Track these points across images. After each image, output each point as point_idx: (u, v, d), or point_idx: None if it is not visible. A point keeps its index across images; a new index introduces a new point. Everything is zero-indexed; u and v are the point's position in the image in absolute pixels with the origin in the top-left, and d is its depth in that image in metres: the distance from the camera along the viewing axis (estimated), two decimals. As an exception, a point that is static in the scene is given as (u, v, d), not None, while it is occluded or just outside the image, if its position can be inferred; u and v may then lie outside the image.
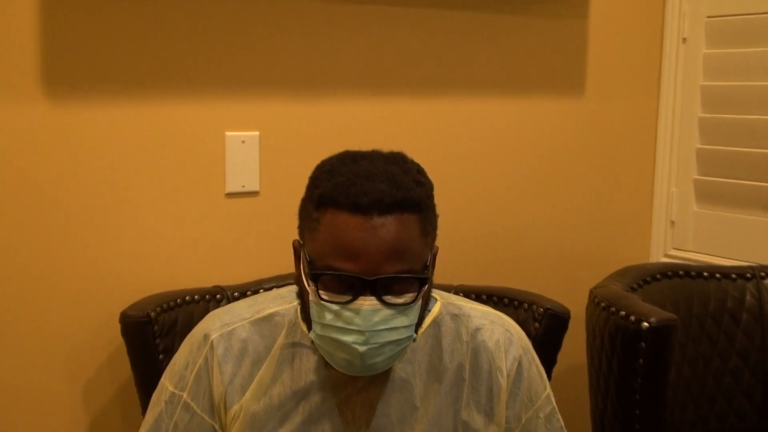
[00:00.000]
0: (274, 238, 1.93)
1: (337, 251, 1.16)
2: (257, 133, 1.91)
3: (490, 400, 1.34)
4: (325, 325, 1.21)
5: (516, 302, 1.85)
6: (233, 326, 1.34)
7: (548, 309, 1.80)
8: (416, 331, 1.24)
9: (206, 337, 1.34)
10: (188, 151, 1.84)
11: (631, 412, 1.78)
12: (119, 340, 1.72)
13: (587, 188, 2.31)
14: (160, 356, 1.69)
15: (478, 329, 1.35)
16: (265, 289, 1.83)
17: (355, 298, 1.17)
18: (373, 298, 1.17)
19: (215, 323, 1.35)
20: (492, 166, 2.17)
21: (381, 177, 1.17)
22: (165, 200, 1.83)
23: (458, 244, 2.12)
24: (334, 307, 1.18)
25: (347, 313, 1.18)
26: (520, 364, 1.36)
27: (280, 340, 1.32)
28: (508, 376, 1.35)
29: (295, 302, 1.31)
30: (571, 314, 1.82)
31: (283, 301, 1.34)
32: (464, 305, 1.38)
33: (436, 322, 1.34)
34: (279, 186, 1.94)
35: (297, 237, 1.26)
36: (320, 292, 1.19)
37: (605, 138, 2.32)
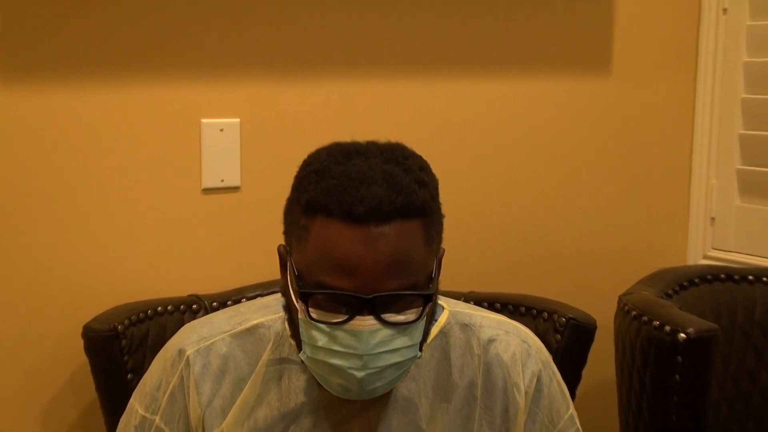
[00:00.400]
0: (257, 240, 1.93)
1: (330, 266, 1.15)
2: (237, 120, 1.91)
3: (505, 421, 1.34)
4: (316, 348, 1.20)
5: (534, 311, 1.85)
6: (212, 340, 1.34)
7: (571, 318, 1.80)
8: (421, 347, 1.24)
9: (181, 352, 1.34)
10: (158, 142, 1.84)
11: (667, 435, 1.79)
12: (82, 358, 1.72)
13: (614, 181, 2.31)
14: (129, 375, 1.70)
15: (491, 341, 1.36)
16: (248, 298, 1.83)
17: (351, 318, 1.17)
18: (371, 317, 1.17)
19: (191, 337, 1.35)
20: (505, 157, 2.17)
21: (378, 179, 1.16)
22: (133, 198, 1.83)
23: (468, 245, 2.13)
24: (327, 328, 1.18)
25: (342, 335, 1.17)
26: (539, 380, 1.37)
27: (266, 356, 1.32)
28: (526, 393, 1.35)
29: (282, 313, 1.31)
30: (598, 324, 1.83)
31: (268, 311, 1.35)
32: (475, 314, 1.39)
33: (443, 333, 1.35)
34: (263, 180, 1.94)
35: (283, 241, 1.26)
36: (311, 311, 1.18)
37: (635, 123, 2.32)
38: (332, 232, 1.15)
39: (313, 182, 1.18)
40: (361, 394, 1.21)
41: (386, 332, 1.18)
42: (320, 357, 1.21)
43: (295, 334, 1.24)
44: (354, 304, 1.16)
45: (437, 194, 1.23)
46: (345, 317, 1.17)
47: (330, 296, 1.17)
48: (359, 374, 1.19)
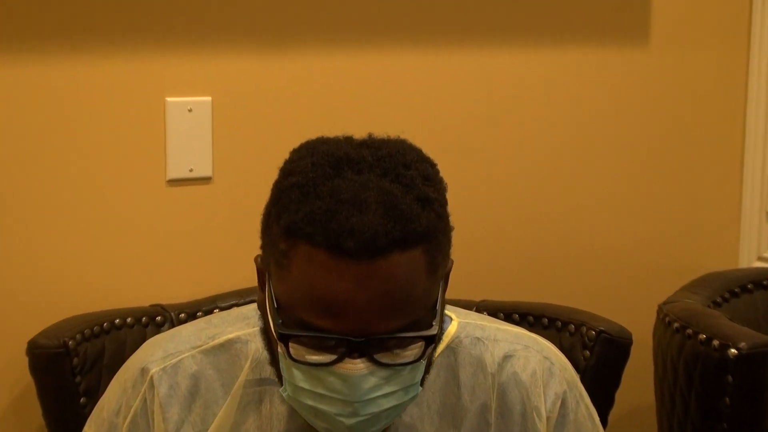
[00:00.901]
0: (233, 240, 1.93)
1: (314, 305, 1.16)
2: (209, 98, 1.91)
3: (524, 451, 1.35)
4: (299, 388, 1.21)
5: (559, 323, 1.86)
6: (179, 357, 1.34)
7: (602, 332, 1.81)
8: (423, 383, 1.24)
9: (144, 371, 1.34)
10: (115, 125, 1.84)
11: (715, 469, 1.79)
12: (27, 379, 1.72)
13: (653, 171, 2.32)
14: (82, 399, 1.70)
15: (507, 357, 1.36)
16: (222, 308, 1.83)
17: (339, 360, 1.17)
18: (362, 359, 1.17)
19: (155, 354, 1.35)
20: (524, 144, 2.17)
21: (372, 202, 1.15)
22: (85, 192, 1.84)
23: (480, 246, 2.13)
24: (311, 369, 1.19)
25: (329, 377, 1.18)
26: (564, 404, 1.36)
27: (243, 376, 1.32)
28: (548, 419, 1.35)
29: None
30: (634, 339, 1.83)
31: (245, 324, 1.35)
32: (489, 326, 1.39)
33: (451, 349, 1.35)
34: (239, 170, 1.94)
35: (261, 249, 1.25)
36: (291, 348, 1.18)
37: (676, 104, 2.32)
38: (317, 265, 1.15)
39: (295, 200, 1.17)
40: None
41: (381, 374, 1.18)
42: (303, 399, 1.21)
43: (275, 363, 1.24)
44: (343, 345, 1.17)
45: (445, 208, 1.22)
46: (332, 358, 1.17)
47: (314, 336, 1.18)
48: (349, 421, 1.20)
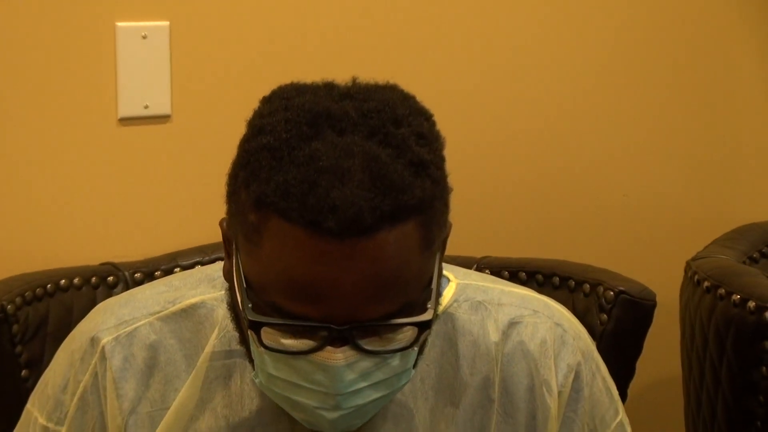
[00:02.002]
0: (195, 189, 1.93)
1: (290, 289, 1.14)
2: (166, 23, 1.91)
3: (531, 431, 1.36)
4: (273, 377, 1.21)
5: (572, 282, 1.87)
6: (135, 325, 1.34)
7: (622, 292, 1.82)
8: (416, 364, 1.23)
9: (94, 341, 1.34)
10: (56, 54, 1.84)
11: (750, 448, 1.81)
12: (-42, 349, 1.73)
13: (679, 110, 2.32)
14: (23, 372, 1.71)
15: (513, 324, 1.36)
16: (183, 268, 1.84)
17: (319, 348, 1.16)
18: (346, 347, 1.16)
19: (107, 321, 1.35)
20: (533, 81, 2.17)
21: (357, 171, 1.12)
22: (23, 133, 1.83)
23: (482, 195, 2.14)
24: (288, 358, 1.18)
25: (308, 366, 1.17)
26: (578, 377, 1.37)
27: (209, 347, 1.32)
28: (559, 394, 1.36)
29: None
30: (658, 300, 1.84)
31: (211, 287, 1.34)
32: (492, 288, 1.39)
33: (449, 314, 1.35)
34: (200, 106, 1.94)
35: (226, 214, 1.24)
36: (264, 336, 1.17)
37: (708, 35, 2.32)
38: (292, 244, 1.13)
39: (266, 166, 1.14)
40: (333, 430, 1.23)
41: (368, 363, 1.18)
42: (278, 389, 1.21)
43: (244, 344, 1.24)
44: (324, 331, 1.16)
45: (442, 169, 1.20)
46: (311, 345, 1.17)
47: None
48: (331, 415, 1.20)
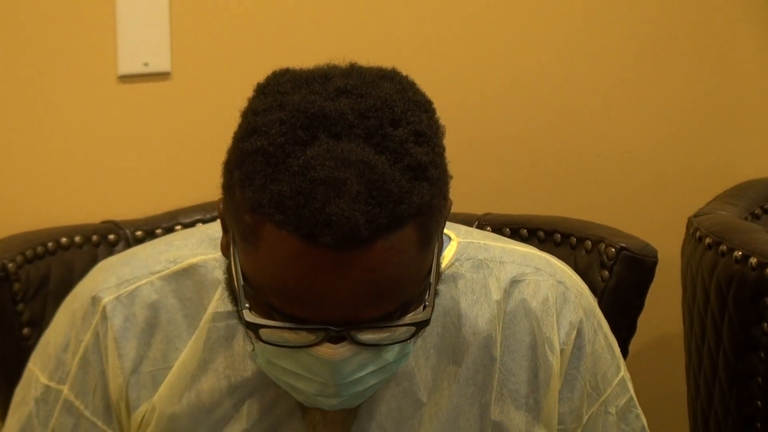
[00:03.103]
0: (194, 146, 1.93)
1: (286, 293, 1.15)
2: (165, -21, 1.90)
3: (534, 389, 1.36)
4: (272, 364, 1.22)
5: (573, 239, 1.86)
6: (136, 284, 1.34)
7: (623, 248, 1.81)
8: (417, 335, 1.23)
9: (95, 300, 1.34)
10: (56, 12, 1.83)
11: (751, 405, 1.81)
12: (-40, 308, 1.73)
13: (679, 59, 2.30)
14: (25, 330, 1.71)
15: (515, 282, 1.36)
16: (184, 226, 1.83)
17: (318, 344, 1.17)
18: (344, 342, 1.17)
19: (108, 280, 1.35)
20: (529, 30, 2.17)
21: (354, 183, 1.11)
22: (22, 91, 1.82)
23: (481, 152, 2.13)
24: (286, 350, 1.19)
25: (307, 358, 1.19)
26: (580, 335, 1.37)
27: (212, 308, 1.32)
28: (561, 351, 1.36)
29: None
30: (660, 257, 1.84)
31: (212, 247, 1.34)
32: (494, 245, 1.39)
33: (450, 274, 1.36)
34: (202, 63, 1.94)
35: (222, 195, 1.22)
36: (262, 333, 1.18)
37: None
38: (288, 252, 1.13)
39: (260, 172, 1.13)
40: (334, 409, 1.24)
41: (366, 354, 1.19)
42: (278, 375, 1.22)
43: (242, 321, 1.22)
44: (321, 331, 1.17)
45: (442, 165, 1.19)
46: (310, 339, 1.17)
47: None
48: (330, 402, 1.22)
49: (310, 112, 1.15)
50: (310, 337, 1.17)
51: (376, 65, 1.22)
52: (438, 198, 1.18)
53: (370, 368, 1.20)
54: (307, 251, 1.12)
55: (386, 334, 1.19)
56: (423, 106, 1.20)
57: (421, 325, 1.19)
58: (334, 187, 1.11)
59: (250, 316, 1.18)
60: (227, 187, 1.20)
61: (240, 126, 1.19)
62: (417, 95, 1.20)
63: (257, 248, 1.15)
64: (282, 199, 1.12)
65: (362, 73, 1.20)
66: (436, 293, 1.23)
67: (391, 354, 1.21)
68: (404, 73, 1.22)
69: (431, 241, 1.19)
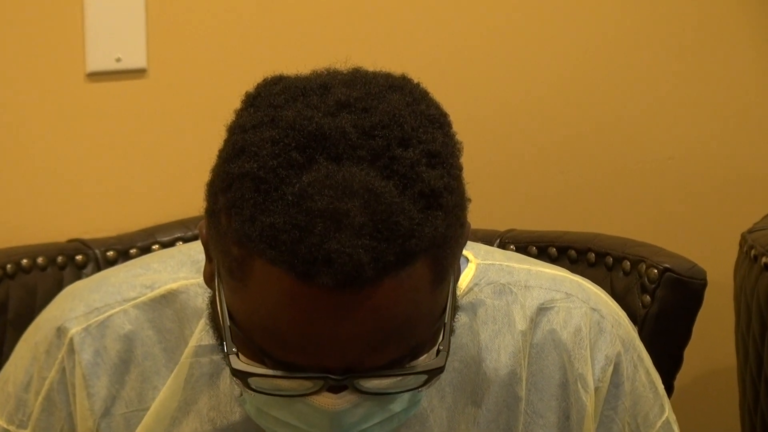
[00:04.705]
0: (173, 153, 1.94)
1: (279, 338, 1.14)
2: (140, -37, 1.91)
3: (565, 431, 1.36)
4: (263, 413, 1.22)
5: (610, 259, 1.86)
6: (108, 313, 1.34)
7: (667, 270, 1.82)
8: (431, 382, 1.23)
9: (61, 331, 1.34)
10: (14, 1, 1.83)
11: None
12: None
13: (728, 58, 2.31)
14: (-20, 367, 1.71)
15: (543, 309, 1.36)
16: (163, 245, 1.84)
17: (316, 393, 1.16)
18: (346, 391, 1.16)
19: (75, 308, 1.35)
20: (557, 30, 2.18)
21: (357, 214, 1.10)
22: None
23: (506, 161, 2.14)
24: (280, 399, 1.19)
25: (304, 409, 1.18)
26: (617, 370, 1.37)
27: (195, 340, 1.32)
28: (596, 390, 1.36)
29: None
30: (710, 279, 1.84)
31: (194, 270, 1.34)
32: (518, 267, 1.39)
33: (469, 302, 1.35)
34: (180, 58, 1.94)
35: (205, 218, 1.20)
36: (251, 381, 1.17)
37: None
38: (281, 291, 1.11)
39: (249, 200, 1.12)
40: None
41: (371, 403, 1.18)
42: (270, 425, 1.22)
43: (227, 359, 1.21)
44: (319, 380, 1.16)
45: (458, 189, 1.17)
46: (307, 387, 1.17)
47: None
48: None
49: (306, 131, 1.13)
50: (307, 385, 1.16)
51: (382, 71, 1.21)
52: (454, 227, 1.16)
53: (376, 419, 1.19)
54: (303, 292, 1.10)
55: (394, 381, 1.18)
56: (437, 120, 1.18)
57: (435, 373, 1.18)
58: (334, 220, 1.10)
59: (237, 363, 1.16)
60: (211, 212, 1.18)
61: (226, 143, 1.17)
62: (430, 108, 1.19)
63: (245, 286, 1.14)
64: (274, 232, 1.10)
65: (367, 83, 1.18)
66: (452, 332, 1.21)
67: (399, 403, 1.20)
68: (415, 81, 1.21)
69: (446, 275, 1.17)
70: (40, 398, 1.35)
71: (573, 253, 1.89)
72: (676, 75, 2.27)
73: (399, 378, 1.18)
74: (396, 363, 1.16)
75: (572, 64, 2.20)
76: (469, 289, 1.36)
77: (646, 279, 1.82)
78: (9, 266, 1.76)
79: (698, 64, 2.28)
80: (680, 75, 2.27)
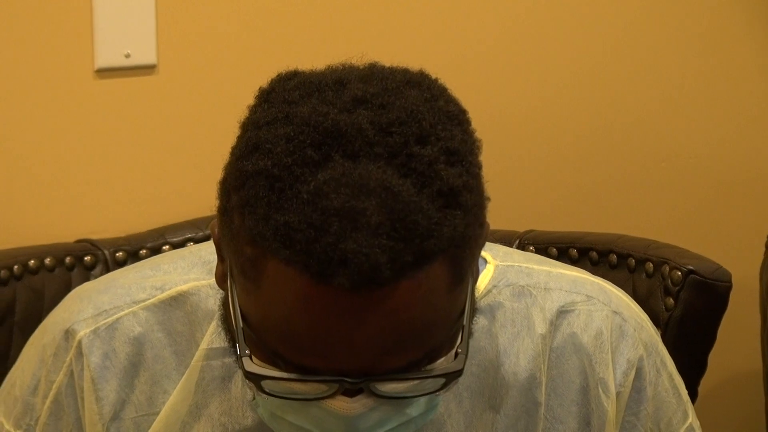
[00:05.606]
0: (184, 151, 1.94)
1: (293, 340, 1.14)
2: (150, -44, 1.91)
3: (586, 439, 1.37)
4: (277, 417, 1.22)
5: (632, 260, 1.86)
6: (117, 315, 1.34)
7: (691, 272, 1.81)
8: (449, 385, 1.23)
9: (69, 334, 1.35)
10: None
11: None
12: None
13: (750, 53, 2.31)
14: (-14, 370, 1.71)
15: (563, 312, 1.36)
16: (173, 246, 1.84)
17: (330, 396, 1.17)
18: (361, 396, 1.17)
19: (84, 310, 1.36)
20: (579, 24, 2.18)
21: (374, 213, 1.10)
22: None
23: (525, 160, 2.14)
24: (294, 402, 1.19)
25: (318, 413, 1.18)
26: (639, 374, 1.37)
27: (206, 343, 1.32)
28: (617, 395, 1.36)
29: None
30: (735, 281, 1.84)
31: (206, 271, 1.35)
32: (537, 269, 1.39)
33: (487, 305, 1.35)
34: (192, 54, 1.95)
35: (217, 218, 1.21)
36: (265, 384, 1.17)
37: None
38: (295, 292, 1.12)
39: (263, 198, 1.12)
40: None
41: (388, 407, 1.18)
42: (283, 429, 1.22)
43: (239, 362, 1.21)
44: (334, 383, 1.16)
45: (477, 187, 1.17)
46: (322, 391, 1.17)
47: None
48: None
49: (322, 127, 1.13)
50: (321, 388, 1.16)
51: (399, 66, 1.20)
52: (473, 227, 1.16)
53: (392, 424, 1.19)
54: (317, 293, 1.11)
55: (411, 384, 1.18)
56: (456, 117, 1.18)
57: (453, 377, 1.18)
58: (350, 219, 1.10)
59: (251, 366, 1.17)
60: (224, 211, 1.18)
61: (239, 140, 1.17)
62: (449, 105, 1.18)
63: (259, 287, 1.14)
64: (289, 231, 1.10)
65: (384, 78, 1.18)
66: (470, 335, 1.21)
67: (416, 407, 1.20)
68: (433, 77, 1.21)
69: (464, 276, 1.17)
70: (47, 402, 1.35)
71: (594, 254, 1.89)
72: (700, 73, 2.27)
73: (416, 381, 1.18)
74: (413, 366, 1.16)
75: (595, 63, 2.20)
76: (488, 291, 1.36)
77: (669, 281, 1.82)
78: (16, 267, 1.76)
79: (724, 62, 2.28)
80: (705, 73, 2.27)
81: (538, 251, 1.86)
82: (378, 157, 1.12)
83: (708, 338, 1.83)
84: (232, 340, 1.22)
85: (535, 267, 1.40)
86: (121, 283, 1.38)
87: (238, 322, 1.18)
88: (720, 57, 2.28)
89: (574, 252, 1.90)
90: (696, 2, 2.25)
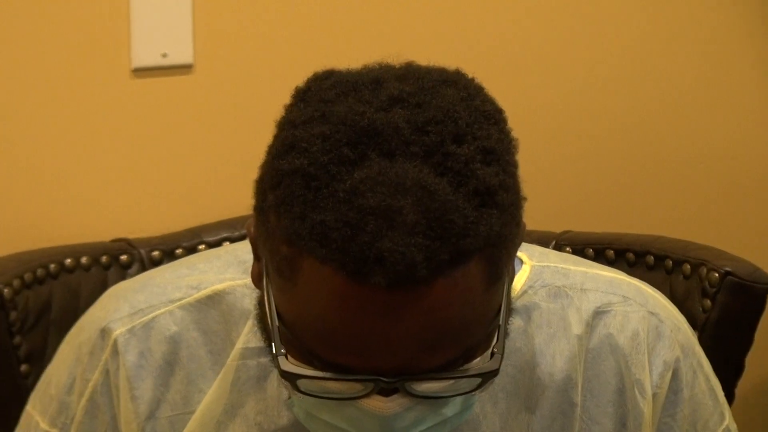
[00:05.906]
0: (220, 150, 1.94)
1: (329, 339, 1.15)
2: (187, -44, 1.92)
3: (622, 439, 1.37)
4: (312, 416, 1.22)
5: (669, 262, 1.86)
6: (153, 314, 1.35)
7: (728, 273, 1.81)
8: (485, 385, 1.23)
9: (105, 333, 1.35)
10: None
11: None
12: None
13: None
14: (23, 366, 1.72)
15: (600, 313, 1.36)
16: (209, 245, 1.84)
17: (366, 396, 1.17)
18: (396, 395, 1.17)
19: (120, 309, 1.36)
20: (617, 25, 2.18)
21: (410, 212, 1.10)
22: (21, 88, 1.84)
23: (561, 160, 2.14)
24: (329, 402, 1.19)
25: (354, 413, 1.19)
26: (676, 376, 1.37)
27: (241, 342, 1.33)
28: (654, 396, 1.36)
29: None
30: (774, 282, 1.84)
31: (242, 270, 1.35)
32: (574, 270, 1.39)
33: (523, 305, 1.35)
34: (228, 53, 1.95)
35: (254, 217, 1.21)
36: (300, 384, 1.18)
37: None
38: (331, 290, 1.12)
39: (299, 197, 1.12)
40: None
41: (423, 407, 1.18)
42: (319, 429, 1.23)
43: (275, 360, 1.21)
44: (370, 382, 1.16)
45: (513, 187, 1.17)
46: (357, 390, 1.17)
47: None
48: None
49: (358, 126, 1.13)
50: (357, 387, 1.16)
51: (435, 65, 1.21)
52: (509, 226, 1.16)
53: (427, 423, 1.19)
54: (354, 291, 1.11)
55: (447, 384, 1.18)
56: (492, 116, 1.18)
57: (489, 376, 1.18)
58: (386, 217, 1.10)
59: (286, 365, 1.17)
60: (260, 210, 1.19)
61: (275, 139, 1.18)
62: (485, 104, 1.18)
63: (295, 285, 1.14)
64: (325, 230, 1.10)
65: (420, 77, 1.18)
66: (506, 335, 1.22)
67: (451, 407, 1.20)
68: (470, 76, 1.21)
69: (501, 276, 1.17)
70: (83, 401, 1.36)
71: (631, 255, 1.89)
72: (742, 74, 2.26)
73: (452, 381, 1.18)
74: (449, 365, 1.16)
75: (636, 61, 2.19)
76: (524, 292, 1.36)
77: (706, 283, 1.82)
78: (52, 266, 1.77)
79: (764, 61, 2.27)
80: (746, 74, 2.26)
81: (574, 252, 1.85)
82: (414, 156, 1.13)
83: (745, 340, 1.83)
84: (268, 339, 1.22)
85: (572, 268, 1.40)
86: (156, 282, 1.39)
87: (274, 321, 1.18)
88: (762, 62, 2.27)
89: (610, 253, 1.89)
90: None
